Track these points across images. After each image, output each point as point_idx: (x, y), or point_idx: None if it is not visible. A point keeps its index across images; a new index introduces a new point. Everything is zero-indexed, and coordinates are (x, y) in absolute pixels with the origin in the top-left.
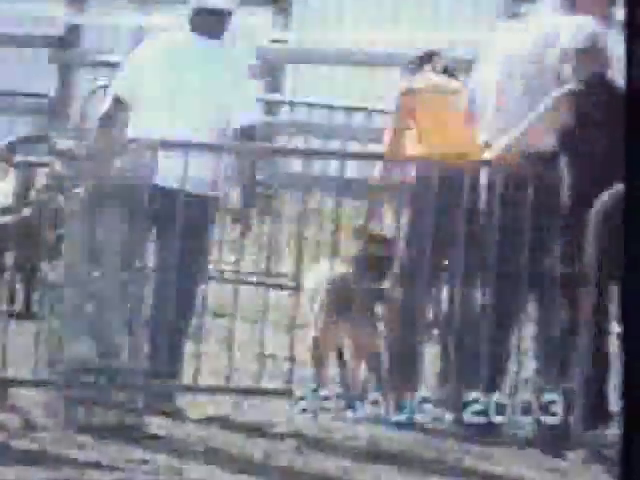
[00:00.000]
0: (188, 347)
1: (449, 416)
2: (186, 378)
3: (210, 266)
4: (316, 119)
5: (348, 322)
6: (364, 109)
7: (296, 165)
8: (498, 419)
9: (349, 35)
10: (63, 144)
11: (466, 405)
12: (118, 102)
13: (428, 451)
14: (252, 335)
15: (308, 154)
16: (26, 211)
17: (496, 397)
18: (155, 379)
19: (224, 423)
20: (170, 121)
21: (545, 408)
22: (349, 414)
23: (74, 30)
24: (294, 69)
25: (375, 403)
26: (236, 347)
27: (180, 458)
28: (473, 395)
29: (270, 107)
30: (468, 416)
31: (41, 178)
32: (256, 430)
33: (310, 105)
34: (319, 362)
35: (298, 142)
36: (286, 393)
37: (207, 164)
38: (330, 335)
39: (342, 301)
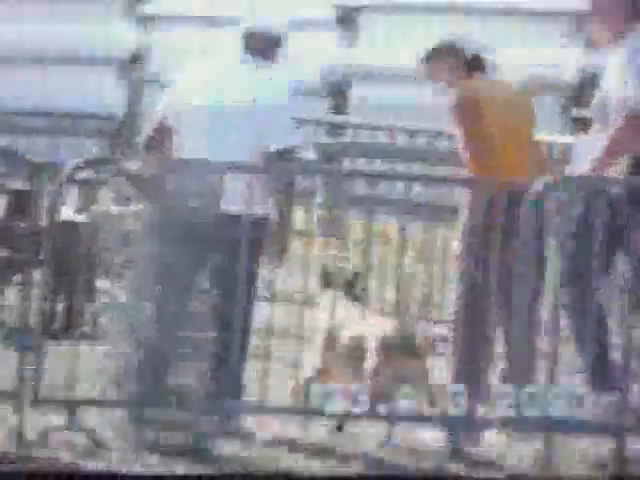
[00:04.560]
0: (255, 367)
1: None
2: (253, 398)
3: (278, 288)
4: (380, 141)
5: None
6: (429, 131)
7: (360, 187)
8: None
9: (414, 55)
10: (130, 165)
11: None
12: (163, 125)
13: None
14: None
15: (373, 176)
16: (90, 228)
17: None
18: (219, 399)
19: (291, 444)
20: (211, 145)
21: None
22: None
23: (142, 51)
24: (358, 89)
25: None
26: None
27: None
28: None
29: (334, 129)
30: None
31: (106, 197)
32: (323, 451)
33: (374, 127)
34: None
35: (362, 164)
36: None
37: (259, 186)
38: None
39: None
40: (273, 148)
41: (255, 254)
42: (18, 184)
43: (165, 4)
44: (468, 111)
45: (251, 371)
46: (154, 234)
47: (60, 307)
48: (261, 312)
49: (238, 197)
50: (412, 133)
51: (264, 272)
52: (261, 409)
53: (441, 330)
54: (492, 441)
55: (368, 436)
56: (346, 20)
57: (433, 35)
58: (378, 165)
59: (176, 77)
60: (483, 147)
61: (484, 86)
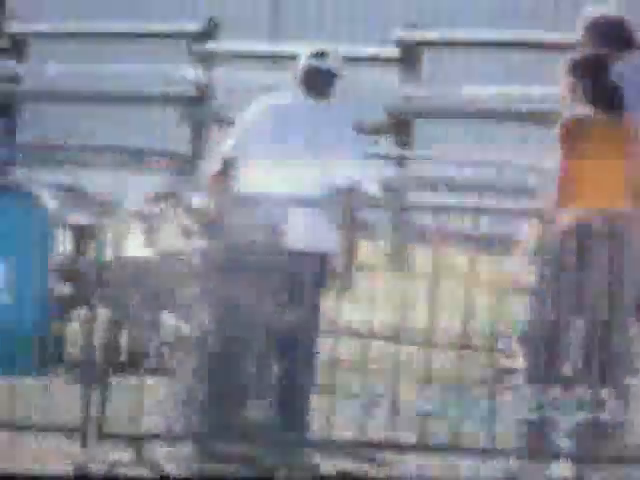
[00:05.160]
0: (321, 401)
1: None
2: (319, 433)
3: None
4: (446, 174)
5: None
6: (495, 164)
7: (427, 220)
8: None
9: (479, 91)
10: (194, 201)
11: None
12: (227, 162)
13: None
14: (384, 389)
15: (439, 209)
16: (154, 263)
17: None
18: (285, 434)
19: (359, 479)
20: (273, 182)
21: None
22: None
23: (205, 89)
24: (424, 125)
25: None
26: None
27: None
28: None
29: (399, 162)
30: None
31: (170, 233)
32: None
33: (439, 160)
34: None
35: (428, 197)
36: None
37: (323, 221)
38: None
39: None
40: (338, 183)
41: (319, 289)
42: (83, 220)
43: (226, 42)
44: (568, 134)
45: (317, 405)
46: (218, 269)
47: (124, 341)
48: (326, 346)
49: (302, 232)
50: (479, 165)
51: (329, 306)
52: (326, 443)
53: (509, 363)
54: (563, 473)
55: (430, 468)
56: (408, 56)
57: (497, 71)
58: (445, 198)
59: (239, 114)
60: (572, 173)
61: (594, 116)
